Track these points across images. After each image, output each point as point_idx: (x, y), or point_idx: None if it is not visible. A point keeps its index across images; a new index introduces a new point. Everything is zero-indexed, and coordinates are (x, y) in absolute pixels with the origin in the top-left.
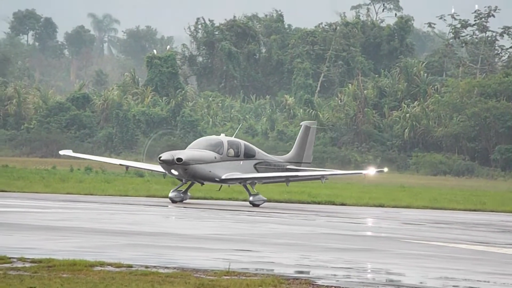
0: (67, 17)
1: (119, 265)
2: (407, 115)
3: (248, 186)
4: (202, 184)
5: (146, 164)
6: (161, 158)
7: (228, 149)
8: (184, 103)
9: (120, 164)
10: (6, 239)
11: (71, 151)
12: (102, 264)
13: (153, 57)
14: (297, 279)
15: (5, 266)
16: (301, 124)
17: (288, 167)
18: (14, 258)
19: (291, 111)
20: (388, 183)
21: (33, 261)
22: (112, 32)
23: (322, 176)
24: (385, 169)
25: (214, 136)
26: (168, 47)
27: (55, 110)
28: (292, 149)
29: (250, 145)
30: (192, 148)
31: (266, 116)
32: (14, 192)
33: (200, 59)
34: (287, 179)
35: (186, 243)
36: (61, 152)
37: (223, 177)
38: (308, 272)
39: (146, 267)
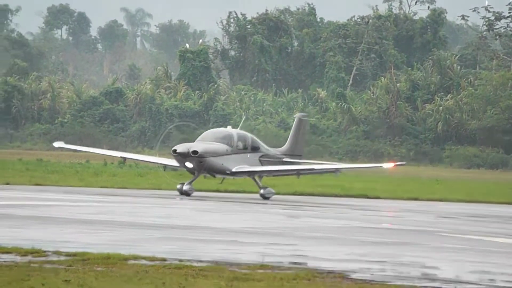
0: (100, 12)
1: (153, 259)
2: (440, 108)
3: (257, 178)
4: (214, 177)
5: (146, 156)
6: (177, 151)
7: (237, 141)
8: (217, 97)
9: (121, 157)
10: (41, 233)
11: (62, 142)
12: (136, 257)
13: (185, 51)
14: (331, 272)
15: (41, 260)
16: (295, 116)
17: (284, 159)
18: (49, 251)
19: (324, 104)
20: (422, 176)
21: (67, 254)
22: (144, 26)
23: (336, 169)
24: (403, 163)
25: (222, 129)
26: (200, 41)
27: (88, 104)
28: (287, 142)
29: (255, 137)
30: (203, 141)
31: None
32: (49, 185)
33: (232, 53)
34: (298, 172)
35: (219, 236)
36: (55, 144)
37: (234, 170)
38: (342, 266)
39: (180, 260)
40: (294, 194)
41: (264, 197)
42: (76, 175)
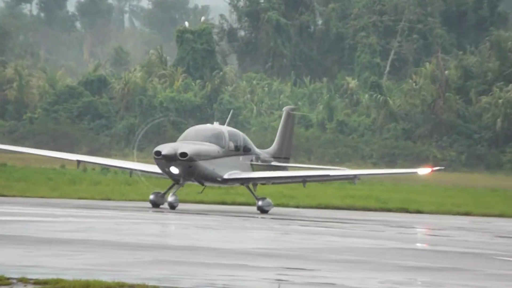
0: None
1: (143, 287)
2: (500, 101)
3: (251, 187)
4: (203, 185)
5: (112, 160)
6: (162, 153)
7: (229, 141)
8: (223, 87)
9: (78, 161)
10: (5, 255)
11: None
12: (122, 285)
13: (184, 31)
14: None
15: None
16: (283, 110)
17: (273, 163)
18: (13, 278)
19: (354, 96)
20: (476, 185)
21: (37, 282)
22: (134, 0)
23: (355, 176)
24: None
25: (210, 125)
26: (202, 18)
27: (64, 96)
28: (275, 142)
29: (246, 136)
30: (189, 141)
31: (323, 103)
32: (15, 196)
33: (242, 33)
34: (305, 180)
35: (225, 259)
36: None
37: (225, 176)
38: None
39: None
40: (318, 207)
41: (263, 210)
42: (48, 183)
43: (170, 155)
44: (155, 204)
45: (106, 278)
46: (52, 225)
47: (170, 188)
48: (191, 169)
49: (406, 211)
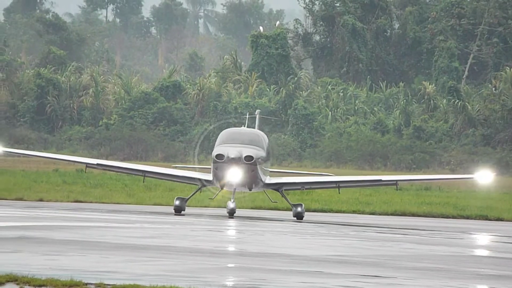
0: None
1: None
2: None
3: (285, 193)
4: (250, 190)
5: (161, 169)
6: (230, 156)
7: (266, 146)
8: (297, 92)
9: (98, 164)
10: (82, 261)
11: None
12: None
13: (259, 36)
14: None
15: None
16: (256, 113)
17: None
18: (91, 284)
19: (432, 101)
20: None
21: (114, 287)
22: (209, 5)
23: (396, 182)
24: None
25: (249, 129)
26: (277, 23)
27: (140, 102)
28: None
29: None
30: (236, 144)
31: (399, 108)
32: (92, 202)
33: (317, 37)
34: (338, 186)
35: (300, 266)
36: None
37: (266, 181)
38: None
39: None
40: (394, 213)
41: (301, 217)
42: (124, 189)
43: (236, 159)
44: (179, 210)
45: (183, 284)
46: (127, 231)
47: (194, 194)
48: (253, 173)
49: (486, 218)
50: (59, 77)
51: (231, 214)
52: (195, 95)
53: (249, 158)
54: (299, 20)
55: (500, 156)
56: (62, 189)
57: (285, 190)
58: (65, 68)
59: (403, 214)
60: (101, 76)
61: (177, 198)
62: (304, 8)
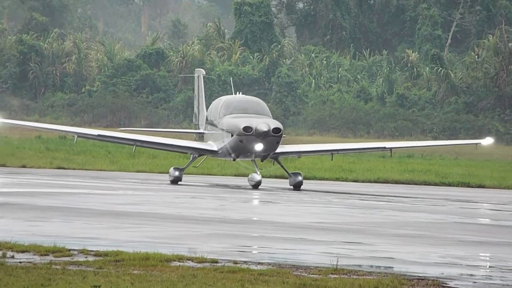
0: None
1: (201, 260)
2: None
3: (282, 162)
4: (262, 161)
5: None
6: (263, 129)
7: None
8: (281, 60)
9: (99, 135)
10: (65, 227)
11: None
12: (180, 258)
13: (242, 4)
14: (422, 279)
15: (64, 260)
16: (196, 73)
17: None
18: (74, 250)
19: (415, 69)
20: None
21: (97, 254)
22: None
23: (384, 148)
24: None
25: (251, 97)
26: None
27: (122, 69)
28: (204, 108)
29: None
30: (257, 115)
31: (382, 76)
32: (75, 169)
33: (301, 5)
34: (332, 153)
35: (283, 233)
36: None
37: (277, 150)
38: (436, 271)
39: (235, 262)
40: (377, 181)
41: (300, 185)
42: (107, 156)
43: (265, 132)
44: (177, 180)
45: (165, 251)
46: (110, 198)
47: (190, 163)
48: (277, 145)
49: (468, 185)
50: (41, 43)
51: (257, 186)
52: (178, 63)
53: (277, 130)
54: None
55: (482, 124)
56: (45, 156)
57: (282, 158)
58: (48, 34)
59: (386, 181)
60: (84, 43)
61: (175, 169)
62: None
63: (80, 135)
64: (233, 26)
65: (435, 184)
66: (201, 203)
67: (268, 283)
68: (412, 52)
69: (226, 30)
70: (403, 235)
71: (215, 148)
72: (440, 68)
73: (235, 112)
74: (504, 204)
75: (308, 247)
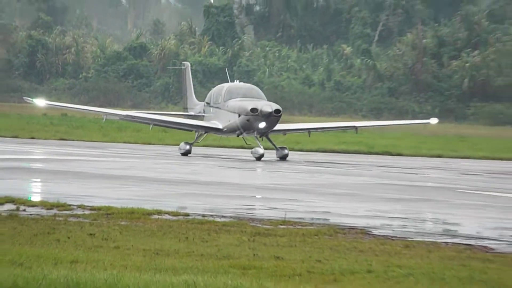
0: None
1: (176, 214)
2: (467, 65)
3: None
4: (267, 138)
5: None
6: (268, 110)
7: None
8: (241, 53)
9: (126, 115)
10: (66, 187)
11: (44, 100)
12: (159, 212)
13: (210, 6)
14: (352, 228)
15: (66, 213)
16: (184, 65)
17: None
18: (74, 205)
19: (348, 61)
20: (446, 133)
21: (92, 208)
22: None
23: (354, 127)
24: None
25: (251, 85)
26: None
27: (112, 59)
28: (192, 95)
29: None
30: (255, 98)
31: (323, 66)
32: (74, 140)
33: (257, 8)
34: (309, 131)
35: (243, 192)
36: (38, 103)
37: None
38: (363, 222)
39: (203, 216)
40: (318, 150)
41: (286, 157)
42: (100, 130)
43: (269, 112)
44: (187, 153)
45: (148, 206)
46: (103, 164)
47: (197, 139)
48: (276, 124)
49: (389, 154)
50: (46, 38)
51: (260, 158)
52: (158, 54)
53: (277, 111)
54: None
55: (401, 105)
56: (50, 130)
57: (270, 134)
58: (52, 31)
59: (325, 151)
60: (81, 38)
61: (186, 143)
62: None
63: (109, 115)
64: (202, 25)
65: (364, 153)
66: (177, 169)
67: (230, 232)
68: (347, 47)
69: (196, 28)
70: (338, 194)
71: (220, 127)
72: (369, 60)
73: (239, 97)
74: (417, 169)
75: (262, 203)
